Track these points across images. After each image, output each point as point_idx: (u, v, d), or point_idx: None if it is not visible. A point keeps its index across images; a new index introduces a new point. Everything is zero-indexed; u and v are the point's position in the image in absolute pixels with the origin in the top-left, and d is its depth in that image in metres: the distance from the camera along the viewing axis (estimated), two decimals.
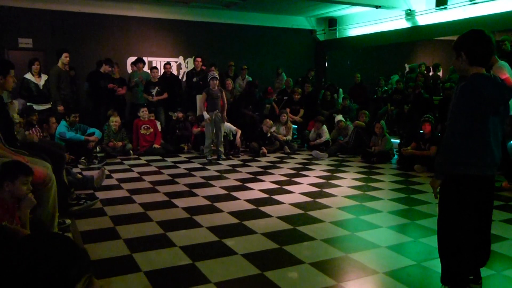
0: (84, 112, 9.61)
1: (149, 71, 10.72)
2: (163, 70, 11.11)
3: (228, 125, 9.41)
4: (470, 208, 2.86)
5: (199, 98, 9.59)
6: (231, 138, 9.45)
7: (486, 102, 2.70)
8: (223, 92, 8.81)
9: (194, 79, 10.60)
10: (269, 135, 9.65)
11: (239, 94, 11.21)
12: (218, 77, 8.81)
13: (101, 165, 7.81)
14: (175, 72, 12.56)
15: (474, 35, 2.81)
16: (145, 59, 12.16)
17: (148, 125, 9.17)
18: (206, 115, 8.50)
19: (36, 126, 6.96)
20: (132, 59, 11.60)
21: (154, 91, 10.05)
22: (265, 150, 9.30)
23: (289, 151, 9.61)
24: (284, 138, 9.85)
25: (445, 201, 2.92)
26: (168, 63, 11.25)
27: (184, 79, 11.62)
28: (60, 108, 8.63)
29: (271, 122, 9.85)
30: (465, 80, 2.76)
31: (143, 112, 9.16)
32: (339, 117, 9.91)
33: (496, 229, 4.52)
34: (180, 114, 9.91)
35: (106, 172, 7.10)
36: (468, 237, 2.92)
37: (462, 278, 2.95)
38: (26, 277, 1.11)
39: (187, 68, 12.60)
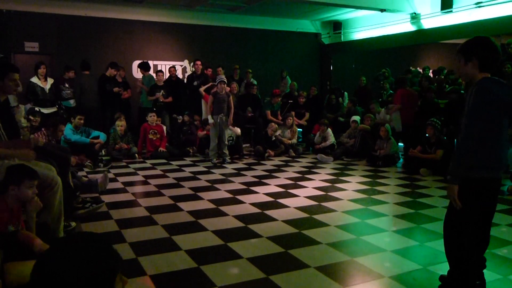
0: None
1: (154, 75, 10.76)
2: (169, 74, 11.13)
3: (234, 129, 9.43)
4: (482, 210, 2.91)
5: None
6: (233, 143, 9.42)
7: (499, 103, 2.74)
8: (231, 97, 8.82)
9: (195, 83, 10.61)
10: (273, 138, 9.65)
11: (241, 94, 11.22)
12: (226, 80, 8.82)
13: (106, 168, 7.83)
14: (180, 75, 12.58)
15: (483, 41, 2.83)
16: (150, 62, 12.21)
17: (156, 130, 9.19)
18: (210, 120, 8.51)
19: (43, 129, 6.98)
20: (137, 62, 11.62)
21: (159, 95, 10.08)
22: (271, 153, 9.31)
23: (294, 154, 9.60)
24: (289, 141, 9.84)
25: (463, 205, 2.89)
26: (173, 66, 11.28)
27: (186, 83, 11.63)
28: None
29: (276, 125, 9.86)
30: (477, 84, 2.76)
31: (152, 117, 9.18)
32: (356, 117, 9.88)
33: (502, 233, 4.50)
34: (186, 118, 9.93)
35: (111, 176, 7.13)
36: (475, 240, 2.93)
37: (470, 282, 2.95)
38: (72, 278, 1.13)
39: (192, 71, 12.62)
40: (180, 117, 9.89)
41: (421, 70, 14.10)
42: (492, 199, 2.99)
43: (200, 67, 10.76)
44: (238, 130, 9.56)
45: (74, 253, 1.16)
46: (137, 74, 11.30)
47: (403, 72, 12.71)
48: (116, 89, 9.76)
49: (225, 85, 8.67)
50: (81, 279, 1.12)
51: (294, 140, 10.03)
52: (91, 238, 1.25)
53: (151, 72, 11.51)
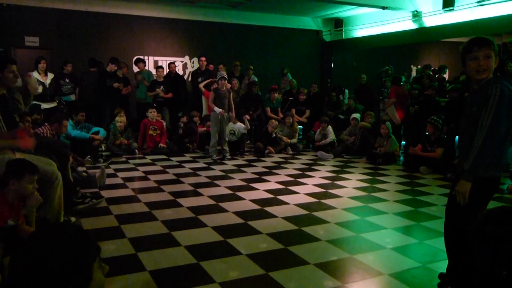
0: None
1: (153, 71, 10.75)
2: (168, 70, 11.12)
3: (239, 125, 9.40)
4: (484, 208, 2.90)
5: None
6: (235, 138, 9.41)
7: None
8: (231, 94, 8.80)
9: (199, 79, 10.61)
10: (274, 135, 9.64)
11: (244, 93, 11.20)
12: (226, 77, 8.80)
13: (106, 163, 7.83)
14: (181, 71, 12.58)
15: None
16: (151, 58, 12.23)
17: (156, 126, 9.17)
18: (217, 109, 8.45)
19: (46, 124, 6.95)
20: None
21: (159, 90, 10.06)
22: (271, 149, 9.30)
23: (291, 153, 9.55)
24: (289, 141, 9.75)
25: (474, 203, 2.89)
26: (173, 62, 11.28)
27: (190, 79, 11.65)
28: None
29: (276, 122, 9.84)
30: (498, 83, 2.72)
31: (152, 113, 9.16)
32: (356, 115, 9.91)
33: None
34: (184, 118, 9.91)
35: (111, 171, 7.13)
36: (475, 237, 2.94)
37: (472, 280, 2.94)
38: (50, 265, 1.16)
39: (192, 67, 12.62)
40: (182, 124, 9.83)
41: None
42: (491, 196, 3.02)
43: (205, 63, 10.77)
44: (244, 126, 9.52)
45: (48, 243, 1.20)
46: (136, 69, 11.28)
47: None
48: (116, 85, 9.73)
49: (226, 81, 8.65)
50: (56, 268, 1.15)
51: (294, 140, 9.95)
52: (65, 228, 1.28)
53: (151, 68, 11.52)
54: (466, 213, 2.87)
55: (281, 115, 10.66)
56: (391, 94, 9.82)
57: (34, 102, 8.50)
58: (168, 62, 11.84)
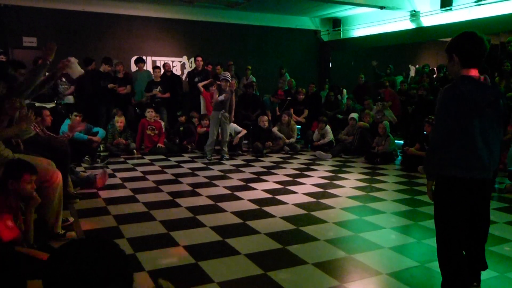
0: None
1: (151, 71, 10.76)
2: (163, 70, 11.06)
3: (233, 126, 9.40)
4: (461, 210, 2.81)
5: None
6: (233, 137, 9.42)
7: (468, 104, 2.66)
8: (233, 95, 8.79)
9: (196, 79, 10.59)
10: (266, 129, 9.62)
11: (241, 94, 11.21)
12: (229, 78, 8.76)
13: (103, 163, 7.83)
14: (179, 71, 12.57)
15: (464, 36, 2.78)
16: (149, 58, 12.21)
17: (154, 126, 9.16)
18: (221, 97, 8.41)
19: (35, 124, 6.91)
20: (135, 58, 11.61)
21: (156, 91, 10.05)
22: (270, 143, 9.33)
23: (290, 152, 9.54)
24: (287, 140, 9.74)
25: (437, 203, 2.91)
26: (167, 62, 11.29)
27: (187, 79, 11.64)
28: None
29: (267, 117, 9.86)
30: (450, 83, 2.77)
31: (150, 113, 9.15)
32: (354, 115, 9.91)
33: (500, 231, 4.52)
34: (183, 118, 9.89)
35: (110, 171, 7.12)
36: (461, 240, 2.86)
37: (461, 284, 2.89)
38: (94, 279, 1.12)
39: (191, 67, 12.61)
40: (182, 128, 9.84)
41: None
42: (478, 201, 2.87)
43: (201, 63, 10.74)
44: (243, 131, 9.55)
45: (89, 257, 1.14)
46: (135, 68, 11.27)
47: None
48: (111, 86, 9.66)
49: (228, 83, 8.61)
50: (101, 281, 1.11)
51: (293, 140, 9.89)
52: (99, 242, 1.22)
53: (149, 68, 11.51)
54: (440, 213, 2.87)
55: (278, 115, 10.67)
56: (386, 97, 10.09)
57: (32, 101, 8.50)
58: (166, 62, 11.84)
